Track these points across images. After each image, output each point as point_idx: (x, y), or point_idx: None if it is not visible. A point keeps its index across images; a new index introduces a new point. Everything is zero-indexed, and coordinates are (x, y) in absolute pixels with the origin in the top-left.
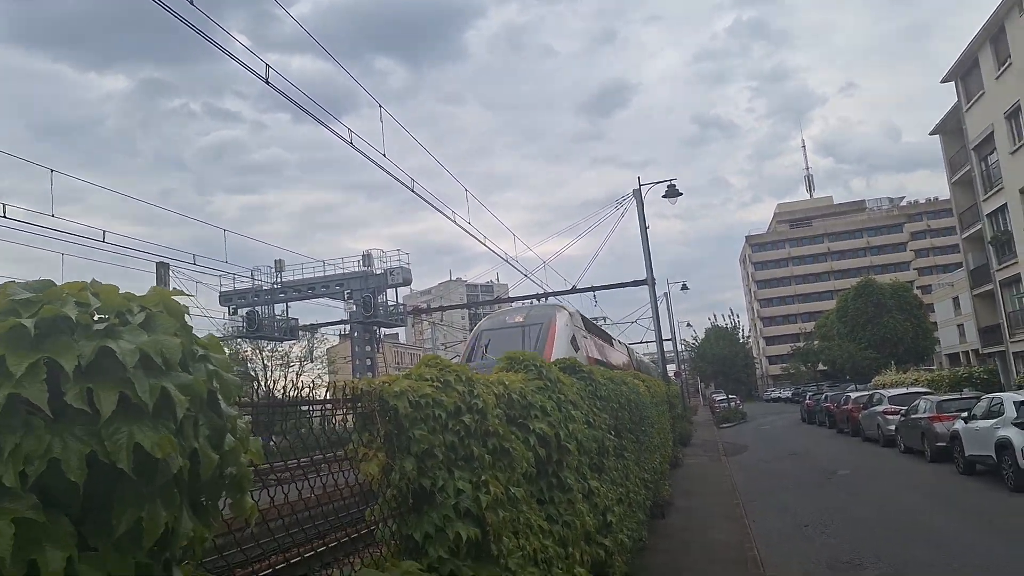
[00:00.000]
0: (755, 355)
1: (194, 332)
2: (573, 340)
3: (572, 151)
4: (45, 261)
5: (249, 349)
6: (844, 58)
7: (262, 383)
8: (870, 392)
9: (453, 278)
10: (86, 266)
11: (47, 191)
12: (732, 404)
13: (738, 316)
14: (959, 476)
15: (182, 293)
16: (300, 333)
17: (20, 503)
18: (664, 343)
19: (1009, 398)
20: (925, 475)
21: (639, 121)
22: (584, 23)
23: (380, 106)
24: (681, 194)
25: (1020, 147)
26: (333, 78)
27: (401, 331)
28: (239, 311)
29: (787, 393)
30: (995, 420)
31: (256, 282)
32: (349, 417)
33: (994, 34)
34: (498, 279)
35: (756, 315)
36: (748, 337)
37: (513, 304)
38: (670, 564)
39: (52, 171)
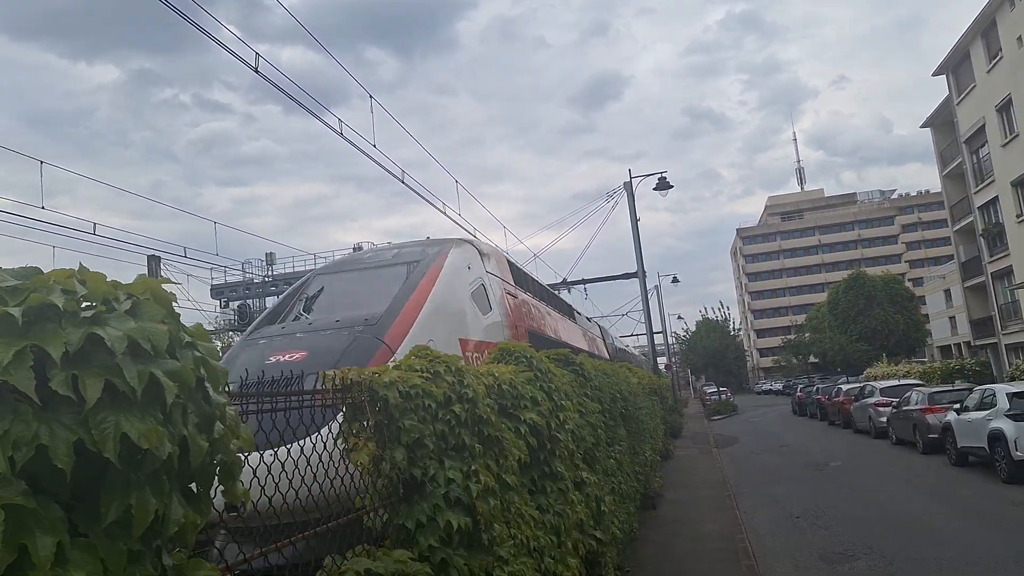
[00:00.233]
0: (746, 348)
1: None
2: (479, 295)
3: (563, 143)
4: (36, 253)
5: None
6: (836, 51)
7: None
8: (861, 384)
9: None
10: (77, 259)
11: (37, 182)
12: (723, 396)
13: (729, 309)
14: (951, 468)
15: (169, 281)
16: None
17: (10, 489)
18: (655, 335)
19: (1002, 390)
20: (917, 467)
21: (630, 114)
22: (576, 15)
23: (371, 96)
24: (672, 186)
25: (1011, 140)
26: (323, 70)
27: None
28: (231, 304)
29: (778, 386)
30: (988, 412)
31: (247, 275)
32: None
33: (985, 27)
34: None
35: (747, 308)
36: (739, 330)
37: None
38: (661, 555)
39: (42, 163)
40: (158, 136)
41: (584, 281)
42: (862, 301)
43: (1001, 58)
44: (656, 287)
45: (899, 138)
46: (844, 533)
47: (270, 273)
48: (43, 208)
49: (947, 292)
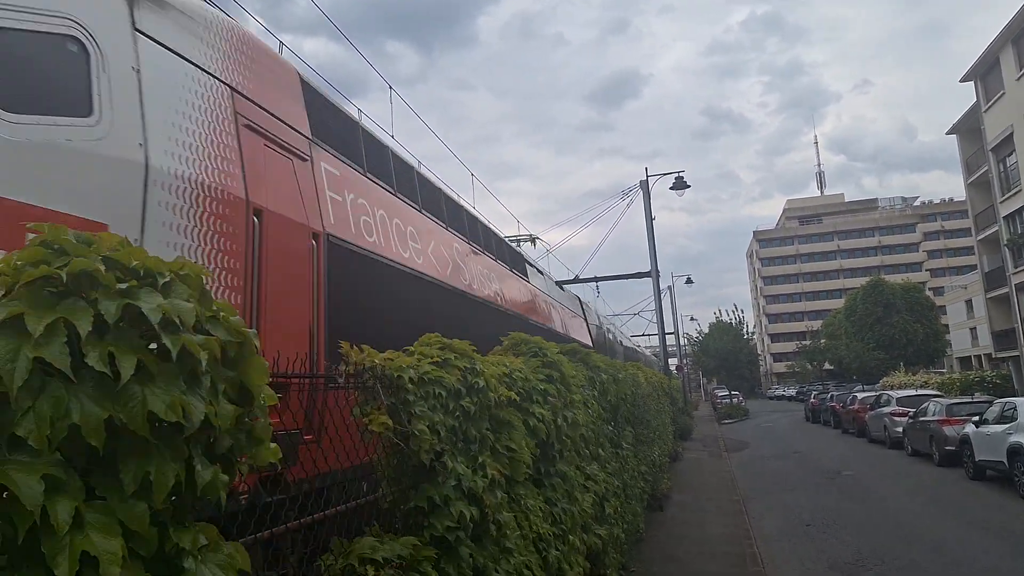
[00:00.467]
0: (759, 352)
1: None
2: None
3: (580, 141)
4: None
5: None
6: (859, 54)
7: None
8: (877, 393)
9: None
10: None
11: None
12: (734, 400)
13: (743, 311)
14: (968, 481)
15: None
16: None
17: (45, 459)
18: (667, 336)
19: (1023, 403)
20: (932, 479)
21: (648, 112)
22: (596, 12)
23: (391, 87)
24: (689, 186)
25: None
26: (344, 61)
27: None
28: None
29: (791, 391)
30: (1008, 425)
31: None
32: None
33: (1016, 34)
34: None
35: (762, 311)
36: (753, 333)
37: None
38: (667, 557)
39: None
40: None
41: (597, 279)
42: (880, 309)
43: None
44: (669, 287)
45: (923, 144)
46: (854, 543)
47: None
48: None
49: (968, 302)
